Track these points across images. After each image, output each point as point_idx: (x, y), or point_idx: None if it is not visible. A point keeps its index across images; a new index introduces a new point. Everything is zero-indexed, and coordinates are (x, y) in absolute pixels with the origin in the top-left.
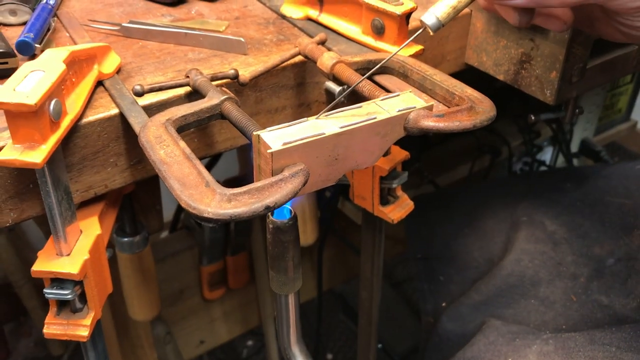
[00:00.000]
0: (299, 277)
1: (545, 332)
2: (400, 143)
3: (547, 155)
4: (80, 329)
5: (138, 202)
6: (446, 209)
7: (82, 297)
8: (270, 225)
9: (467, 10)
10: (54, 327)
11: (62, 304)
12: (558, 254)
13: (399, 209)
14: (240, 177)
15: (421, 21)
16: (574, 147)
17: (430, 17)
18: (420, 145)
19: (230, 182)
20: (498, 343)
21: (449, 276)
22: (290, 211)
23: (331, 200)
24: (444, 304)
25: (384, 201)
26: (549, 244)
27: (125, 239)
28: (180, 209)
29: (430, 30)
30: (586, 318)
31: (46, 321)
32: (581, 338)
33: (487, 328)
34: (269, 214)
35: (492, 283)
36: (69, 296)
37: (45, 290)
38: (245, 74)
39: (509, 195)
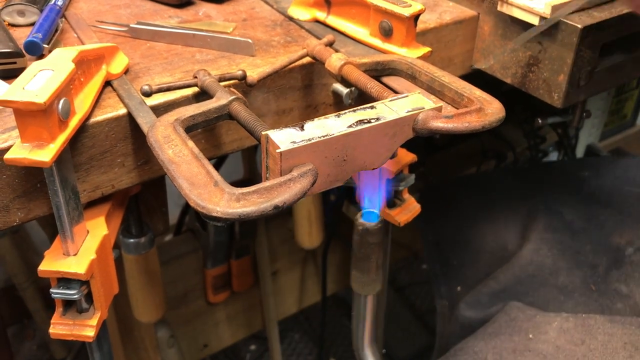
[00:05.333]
0: (380, 279)
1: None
2: (406, 146)
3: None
4: (87, 329)
5: (144, 203)
6: (461, 194)
7: (89, 297)
8: (359, 227)
9: (474, 13)
10: (60, 327)
11: (68, 304)
12: (576, 243)
13: (405, 212)
14: (245, 180)
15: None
16: (580, 152)
17: None
18: (425, 149)
19: (236, 185)
20: (519, 319)
21: (462, 260)
22: (379, 215)
23: (336, 204)
24: (459, 288)
25: (391, 204)
26: (567, 233)
27: (131, 240)
28: (185, 212)
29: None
30: (605, 308)
31: (52, 321)
32: (601, 318)
33: (509, 307)
34: (358, 216)
35: (511, 272)
36: (76, 296)
37: (51, 290)
38: (253, 75)
39: (525, 182)
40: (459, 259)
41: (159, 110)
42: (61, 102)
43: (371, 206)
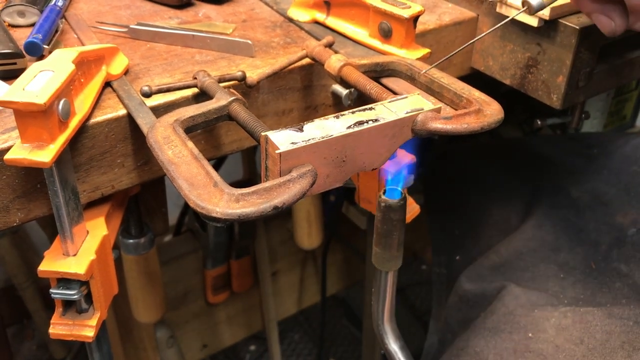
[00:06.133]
0: (401, 256)
1: (564, 302)
2: (405, 147)
3: None
4: (86, 329)
5: (144, 204)
6: (467, 163)
7: (88, 298)
8: (382, 204)
9: (473, 14)
10: (59, 327)
11: (68, 304)
12: (580, 220)
13: None
14: (245, 181)
15: (524, 1)
16: None
17: None
18: (424, 150)
19: (235, 186)
20: (517, 314)
21: (464, 231)
22: (401, 192)
23: (335, 205)
24: (457, 258)
25: None
26: (572, 211)
27: (131, 241)
28: (184, 212)
29: (531, 9)
30: (604, 286)
31: (52, 321)
32: (599, 312)
33: (507, 295)
34: (381, 193)
35: (513, 246)
36: (75, 296)
37: (51, 290)
38: (253, 76)
39: (533, 156)
40: (461, 229)
41: (159, 111)
42: (61, 102)
43: (394, 183)
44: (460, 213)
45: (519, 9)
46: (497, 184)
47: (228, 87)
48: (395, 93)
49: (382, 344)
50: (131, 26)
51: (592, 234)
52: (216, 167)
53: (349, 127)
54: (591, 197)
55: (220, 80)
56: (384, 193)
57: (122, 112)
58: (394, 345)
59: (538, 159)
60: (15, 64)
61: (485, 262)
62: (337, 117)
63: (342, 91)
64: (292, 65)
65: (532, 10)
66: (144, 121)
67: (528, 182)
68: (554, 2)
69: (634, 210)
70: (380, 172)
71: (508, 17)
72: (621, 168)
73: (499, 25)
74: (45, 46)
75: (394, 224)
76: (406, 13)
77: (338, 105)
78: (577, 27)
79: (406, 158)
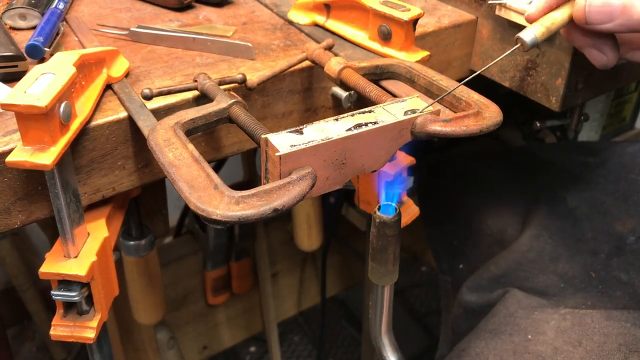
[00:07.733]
0: (397, 270)
1: (564, 308)
2: (405, 150)
3: None
4: (87, 330)
5: (144, 206)
6: (460, 173)
7: (89, 299)
8: (377, 220)
9: (472, 16)
10: (60, 329)
11: (69, 306)
12: (578, 230)
13: (404, 215)
14: (245, 183)
15: (518, 38)
16: None
17: (529, 34)
18: (423, 152)
19: (235, 188)
20: (517, 315)
21: (463, 241)
22: (396, 208)
23: (335, 206)
24: (461, 266)
25: None
26: (570, 220)
27: (132, 243)
28: (184, 214)
29: (525, 47)
30: (605, 296)
31: (53, 323)
32: (598, 314)
33: (509, 297)
34: (376, 209)
35: (511, 257)
36: (76, 298)
37: (52, 292)
38: (253, 78)
39: (529, 164)
40: (459, 240)
41: (160, 113)
42: (62, 105)
43: (388, 199)
44: (458, 222)
45: (517, 11)
46: (494, 191)
47: (228, 89)
48: (394, 95)
49: (380, 356)
50: (132, 29)
51: (591, 243)
52: (216, 169)
53: (349, 129)
54: (589, 206)
55: (221, 83)
56: (378, 209)
57: (123, 114)
58: (392, 358)
59: (536, 166)
60: (16, 66)
61: (485, 274)
62: (337, 119)
63: (342, 94)
64: (292, 68)
65: (525, 47)
66: (145, 124)
67: (525, 190)
68: (547, 37)
69: (633, 219)
70: (376, 186)
71: (507, 19)
72: (619, 176)
73: (502, 57)
74: (47, 49)
75: (389, 240)
76: (406, 16)
77: (338, 108)
78: None
79: (405, 161)
